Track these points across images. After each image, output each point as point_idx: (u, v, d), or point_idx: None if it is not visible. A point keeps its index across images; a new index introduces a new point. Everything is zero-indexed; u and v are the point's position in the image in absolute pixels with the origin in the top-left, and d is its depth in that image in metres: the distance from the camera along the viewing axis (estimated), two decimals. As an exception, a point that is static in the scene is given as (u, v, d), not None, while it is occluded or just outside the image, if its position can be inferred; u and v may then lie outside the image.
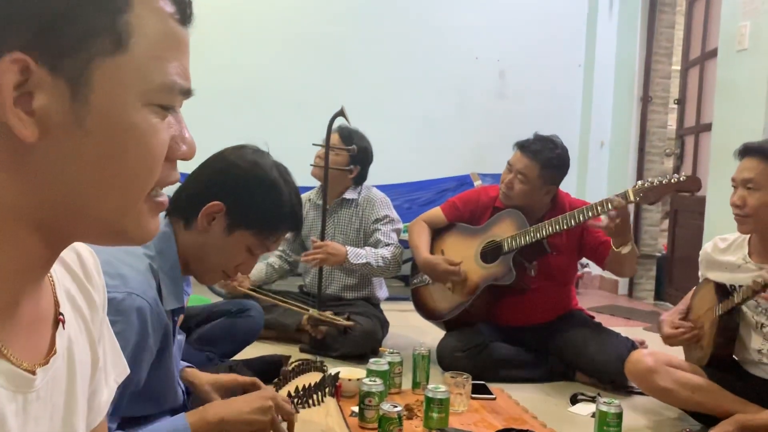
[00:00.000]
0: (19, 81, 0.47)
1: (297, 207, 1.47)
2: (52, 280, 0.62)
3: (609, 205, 2.28)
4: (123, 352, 1.19)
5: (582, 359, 2.49)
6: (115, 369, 0.75)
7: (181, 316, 1.87)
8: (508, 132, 3.10)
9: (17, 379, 0.54)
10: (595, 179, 4.90)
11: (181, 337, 1.55)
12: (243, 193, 1.39)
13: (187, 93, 0.56)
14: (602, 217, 2.33)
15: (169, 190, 0.62)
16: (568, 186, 4.69)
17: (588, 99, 4.99)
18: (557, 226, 2.41)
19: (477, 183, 4.55)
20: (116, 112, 0.51)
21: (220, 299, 3.15)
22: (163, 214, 1.41)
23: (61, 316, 0.62)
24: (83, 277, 0.69)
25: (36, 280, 0.57)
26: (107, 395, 0.72)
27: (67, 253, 0.67)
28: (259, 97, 4.45)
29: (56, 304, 0.62)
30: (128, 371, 0.78)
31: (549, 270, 2.58)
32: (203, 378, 1.62)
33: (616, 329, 2.69)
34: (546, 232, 2.44)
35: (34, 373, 0.55)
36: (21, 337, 0.55)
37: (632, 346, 2.45)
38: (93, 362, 0.69)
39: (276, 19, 4.54)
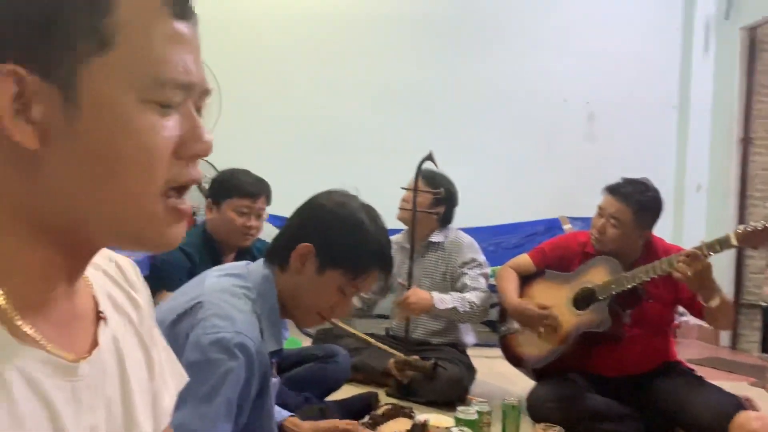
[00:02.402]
0: (16, 92, 0.49)
1: (386, 247, 1.49)
2: (90, 283, 0.64)
3: (709, 250, 2.18)
4: (235, 388, 1.25)
5: (683, 415, 2.35)
6: (174, 378, 0.75)
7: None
8: (598, 175, 3.03)
9: (59, 367, 0.55)
10: (693, 224, 4.69)
11: (276, 380, 1.59)
12: (330, 232, 1.43)
13: (190, 87, 0.55)
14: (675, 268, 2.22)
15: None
16: (664, 231, 4.52)
17: (683, 141, 4.82)
18: (653, 273, 2.32)
19: (566, 227, 4.45)
20: (107, 111, 0.51)
21: (307, 340, 3.21)
22: (264, 261, 1.47)
23: (101, 314, 0.63)
24: (124, 283, 0.70)
25: (67, 283, 0.58)
26: (169, 401, 0.73)
27: (105, 263, 0.69)
28: (348, 143, 4.56)
29: (95, 303, 0.63)
30: (186, 378, 0.78)
31: (644, 318, 2.47)
32: (305, 426, 1.66)
33: (719, 384, 2.53)
34: (641, 278, 2.35)
35: (76, 363, 0.57)
36: (58, 333, 0.56)
37: (738, 404, 2.29)
38: (148, 363, 0.70)
39: (364, 67, 4.67)
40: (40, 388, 0.53)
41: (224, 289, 1.39)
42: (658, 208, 2.49)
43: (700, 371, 2.68)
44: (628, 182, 2.50)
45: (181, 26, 0.54)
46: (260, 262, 1.50)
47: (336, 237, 1.43)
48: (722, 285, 4.42)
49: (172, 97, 0.54)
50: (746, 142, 4.49)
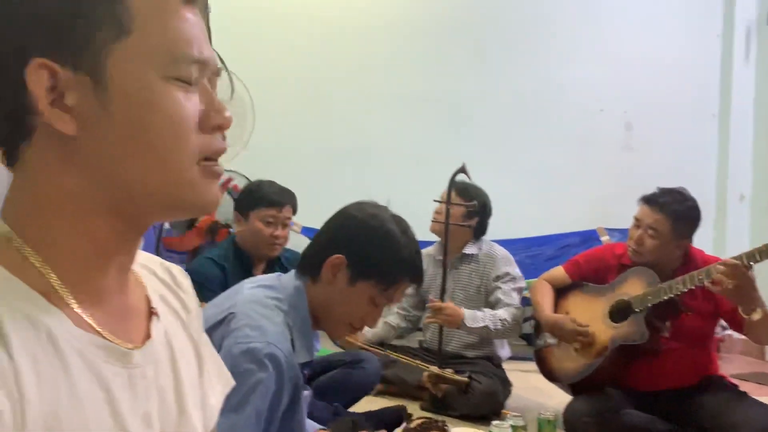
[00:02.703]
0: (51, 84, 0.53)
1: (416, 258, 1.50)
2: (142, 282, 0.68)
3: (749, 260, 2.12)
4: (264, 398, 1.26)
5: (724, 431, 2.28)
6: (220, 379, 0.78)
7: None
8: (635, 185, 2.97)
9: (115, 352, 0.58)
10: (735, 235, 4.56)
11: (307, 393, 1.60)
12: (361, 244, 1.44)
13: (202, 63, 0.59)
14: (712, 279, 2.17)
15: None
16: (705, 243, 4.43)
17: (724, 150, 4.70)
18: (690, 284, 2.27)
19: (604, 238, 4.37)
20: (135, 91, 0.56)
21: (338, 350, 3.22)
22: (295, 272, 1.48)
23: (153, 309, 0.66)
24: (174, 286, 0.74)
25: (119, 272, 0.62)
26: (215, 401, 0.75)
27: (157, 268, 0.73)
28: (381, 154, 4.57)
29: (148, 301, 0.67)
30: (232, 382, 0.80)
31: (684, 331, 2.41)
32: None
33: (764, 400, 2.44)
34: (679, 289, 2.30)
35: (131, 350, 0.60)
36: (116, 324, 0.60)
37: (785, 420, 2.22)
38: (198, 360, 0.73)
39: (397, 78, 4.69)
40: (98, 372, 0.56)
41: (257, 301, 1.41)
42: (696, 218, 2.44)
43: (745, 387, 2.59)
44: (665, 192, 2.46)
45: (189, 10, 0.59)
46: (292, 273, 1.51)
47: (368, 248, 1.43)
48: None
49: (190, 73, 0.58)
50: (791, 150, 4.36)
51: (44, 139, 0.55)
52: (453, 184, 2.82)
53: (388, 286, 1.46)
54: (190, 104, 0.58)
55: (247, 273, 2.24)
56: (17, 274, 0.54)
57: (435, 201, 2.84)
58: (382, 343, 2.96)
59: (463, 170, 2.59)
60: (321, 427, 1.68)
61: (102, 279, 0.59)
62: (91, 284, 0.58)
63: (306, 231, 3.61)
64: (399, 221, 1.49)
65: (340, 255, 1.42)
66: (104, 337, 0.57)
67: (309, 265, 1.48)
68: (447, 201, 2.72)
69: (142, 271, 0.69)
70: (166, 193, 0.59)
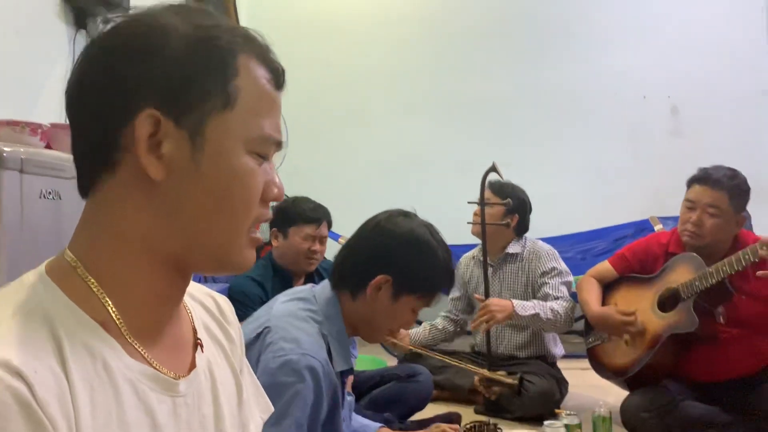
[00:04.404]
0: (152, 132, 0.59)
1: (450, 264, 1.53)
2: (190, 313, 0.72)
3: None
4: (304, 409, 1.29)
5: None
6: (259, 406, 0.82)
7: (351, 378, 1.96)
8: (688, 171, 2.88)
9: (163, 382, 0.63)
10: (798, 215, 4.35)
11: (350, 399, 1.63)
12: (406, 262, 1.47)
13: (279, 144, 0.67)
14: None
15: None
16: (764, 225, 4.24)
17: (779, 127, 4.51)
18: (737, 265, 2.18)
19: (658, 227, 4.24)
20: (224, 158, 0.62)
21: (393, 359, 3.23)
22: (328, 283, 1.51)
23: (199, 341, 0.72)
24: (220, 316, 0.79)
25: (174, 307, 0.68)
26: (254, 428, 0.79)
27: (204, 298, 0.78)
28: (421, 163, 4.57)
29: (194, 331, 0.72)
30: (272, 409, 0.84)
31: (742, 316, 2.32)
32: None
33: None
34: (725, 271, 2.22)
35: (177, 380, 0.65)
36: (165, 355, 0.65)
37: None
38: (237, 388, 0.77)
39: (434, 82, 4.69)
40: (146, 400, 0.61)
41: (290, 314, 1.44)
42: (748, 189, 2.39)
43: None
44: (713, 169, 2.40)
45: (277, 95, 0.67)
46: (325, 285, 1.54)
47: (412, 266, 1.48)
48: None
49: (268, 151, 0.66)
50: None
51: (129, 176, 0.61)
52: (487, 184, 2.80)
53: (430, 297, 1.51)
54: (261, 177, 0.65)
55: (287, 288, 2.29)
56: (79, 302, 0.59)
57: (469, 203, 2.83)
58: (431, 348, 2.96)
59: (494, 169, 2.58)
60: (380, 424, 1.71)
61: (155, 313, 0.65)
62: (145, 318, 0.63)
63: (332, 234, 3.66)
64: (429, 228, 1.52)
65: (385, 276, 1.45)
66: (154, 367, 0.62)
67: (347, 281, 1.50)
68: (481, 201, 2.71)
69: (190, 300, 0.74)
70: (222, 252, 0.65)
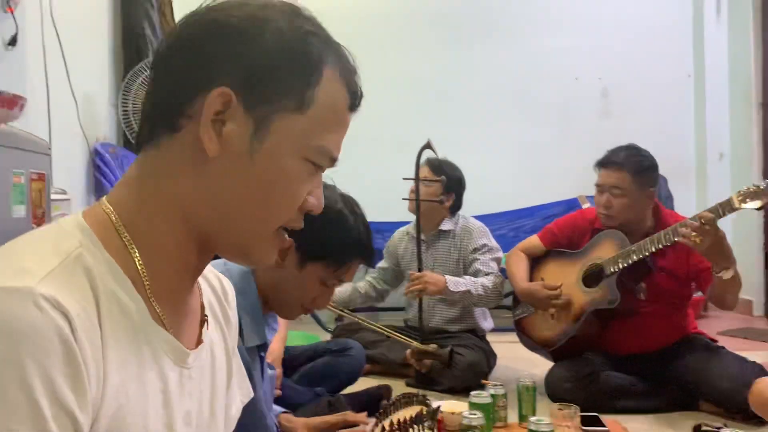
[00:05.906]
0: (220, 109, 0.61)
1: (365, 237, 1.48)
2: (200, 289, 0.75)
3: (701, 220, 2.12)
4: None
5: (702, 386, 2.31)
6: (241, 390, 0.84)
7: (281, 354, 1.94)
8: (615, 151, 2.98)
9: (178, 351, 0.65)
10: (717, 193, 4.54)
11: (272, 372, 1.61)
12: (309, 226, 1.42)
13: (334, 161, 0.68)
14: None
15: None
16: (687, 202, 4.46)
17: (701, 110, 4.71)
18: (658, 244, 2.28)
19: (585, 206, 4.38)
20: (279, 157, 0.63)
21: (326, 334, 3.23)
22: None
23: (205, 317, 0.73)
24: (223, 298, 0.80)
25: (193, 280, 0.69)
26: (235, 411, 0.81)
27: (212, 278, 0.80)
28: (364, 140, 4.54)
29: (202, 307, 0.74)
30: (252, 394, 0.86)
31: (659, 292, 2.43)
32: (298, 422, 1.67)
33: (753, 354, 2.46)
34: (648, 249, 2.31)
35: (188, 351, 0.67)
36: (177, 323, 0.66)
37: (761, 371, 2.24)
38: (228, 370, 0.79)
39: (372, 60, 4.64)
40: (161, 364, 0.63)
41: None
42: (654, 166, 2.47)
43: (733, 342, 2.62)
44: (616, 151, 2.48)
45: (348, 116, 0.68)
46: None
47: (317, 232, 1.42)
48: (751, 252, 4.33)
49: (323, 163, 0.66)
50: (766, 106, 4.36)
51: (186, 144, 0.62)
52: (423, 161, 2.82)
53: (338, 267, 1.45)
54: (307, 186, 0.66)
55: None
56: (114, 256, 0.61)
57: (404, 179, 2.85)
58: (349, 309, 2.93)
59: (428, 146, 2.60)
60: (283, 410, 1.69)
61: (177, 282, 0.66)
62: (167, 284, 0.64)
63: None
64: (347, 200, 1.47)
65: (288, 239, 1.42)
66: (171, 334, 0.64)
67: None
68: (416, 178, 2.72)
69: (200, 278, 0.74)
70: (247, 242, 0.66)
